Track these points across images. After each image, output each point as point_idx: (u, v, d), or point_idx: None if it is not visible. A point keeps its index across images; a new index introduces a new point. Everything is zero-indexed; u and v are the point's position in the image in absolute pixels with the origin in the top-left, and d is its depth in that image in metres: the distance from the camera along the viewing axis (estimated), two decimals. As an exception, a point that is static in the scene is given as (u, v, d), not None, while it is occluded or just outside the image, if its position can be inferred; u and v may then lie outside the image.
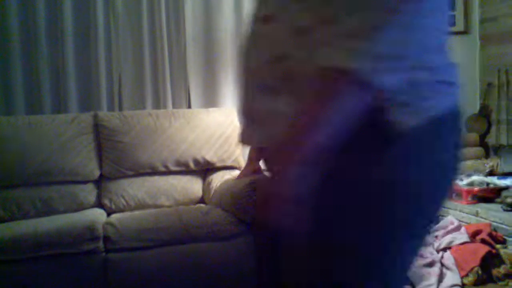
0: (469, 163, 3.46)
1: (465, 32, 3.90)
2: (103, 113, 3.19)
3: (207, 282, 2.53)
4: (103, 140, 3.07)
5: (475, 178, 3.20)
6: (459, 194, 3.17)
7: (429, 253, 2.71)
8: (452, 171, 0.97)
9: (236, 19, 3.55)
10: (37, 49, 3.23)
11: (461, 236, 2.82)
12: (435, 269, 2.62)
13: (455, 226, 2.92)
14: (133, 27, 3.40)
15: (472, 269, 2.62)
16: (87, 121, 3.09)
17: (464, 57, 3.89)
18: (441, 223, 3.00)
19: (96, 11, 3.30)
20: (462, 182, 3.19)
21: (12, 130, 2.93)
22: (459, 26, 3.88)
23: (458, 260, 2.67)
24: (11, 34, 3.19)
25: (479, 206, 3.07)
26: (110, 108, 3.37)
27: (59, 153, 2.93)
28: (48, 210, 2.85)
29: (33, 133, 2.95)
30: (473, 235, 2.82)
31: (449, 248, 2.78)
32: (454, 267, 2.64)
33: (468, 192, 3.12)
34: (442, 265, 2.67)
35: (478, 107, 3.87)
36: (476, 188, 3.14)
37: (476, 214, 3.02)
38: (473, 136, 3.72)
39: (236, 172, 3.04)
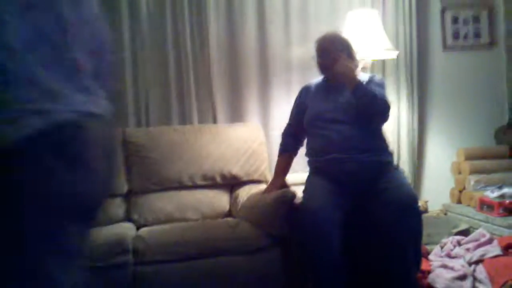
0: (499, 175, 3.40)
1: (491, 44, 3.87)
2: (131, 130, 3.24)
3: (235, 296, 2.52)
4: (131, 155, 3.10)
5: (506, 190, 3.14)
6: (490, 207, 3.12)
7: (461, 266, 2.66)
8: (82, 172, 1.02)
9: (260, 35, 3.59)
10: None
11: (494, 249, 2.76)
12: (468, 283, 2.56)
13: (487, 239, 2.86)
14: (158, 45, 3.46)
15: (505, 282, 2.55)
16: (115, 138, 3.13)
17: (490, 69, 3.87)
18: (473, 236, 2.95)
19: (121, 30, 3.37)
20: (493, 195, 3.14)
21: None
22: (485, 39, 3.86)
23: (491, 273, 2.61)
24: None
25: (511, 218, 3.01)
26: (138, 125, 3.41)
27: (88, 169, 2.97)
28: (78, 224, 2.87)
29: (63, 149, 2.99)
30: (506, 248, 2.76)
31: (482, 261, 2.72)
32: (487, 281, 2.58)
33: (500, 204, 3.07)
34: (475, 278, 2.62)
35: (507, 119, 3.82)
36: (507, 201, 3.08)
37: (509, 226, 2.96)
38: (503, 148, 3.66)
39: (263, 186, 3.04)
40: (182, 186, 3.12)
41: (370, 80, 2.72)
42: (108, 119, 1.19)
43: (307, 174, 2.76)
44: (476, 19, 3.84)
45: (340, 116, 2.62)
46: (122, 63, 3.38)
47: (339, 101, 2.66)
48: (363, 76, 2.74)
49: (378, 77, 2.81)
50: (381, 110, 2.58)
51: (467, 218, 3.28)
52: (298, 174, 3.05)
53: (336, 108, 2.65)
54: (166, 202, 3.07)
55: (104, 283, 2.39)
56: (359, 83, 2.54)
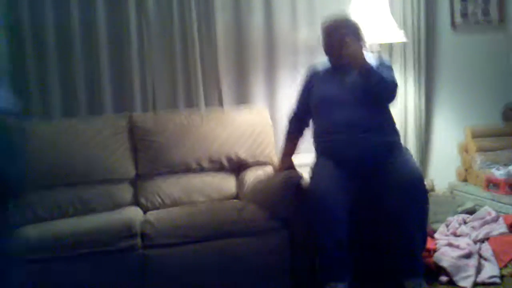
0: (506, 153, 3.39)
1: (500, 21, 3.82)
2: (137, 114, 3.26)
3: (242, 277, 2.55)
4: (138, 140, 3.13)
5: (513, 168, 3.14)
6: (496, 185, 3.12)
7: (466, 244, 2.67)
8: None
9: (266, 18, 3.58)
10: (73, 54, 3.32)
11: (499, 227, 2.77)
12: (473, 261, 2.58)
13: (493, 217, 2.87)
14: (165, 29, 3.46)
15: (511, 260, 2.57)
16: (122, 122, 3.15)
17: (498, 47, 3.82)
18: (478, 214, 2.96)
19: (128, 15, 3.36)
20: (499, 172, 3.13)
21: (49, 132, 3.02)
22: (494, 17, 3.80)
23: (496, 251, 2.63)
24: (47, 40, 3.29)
25: (517, 196, 3.01)
26: (144, 109, 3.43)
27: (96, 154, 3.01)
28: (86, 209, 2.92)
29: (70, 135, 3.03)
30: (512, 226, 2.77)
31: (487, 239, 2.73)
32: (492, 258, 2.60)
33: (506, 182, 3.06)
34: (480, 256, 2.63)
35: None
36: (514, 179, 3.08)
37: (515, 204, 2.96)
38: (511, 126, 3.64)
39: (269, 168, 3.06)
40: (189, 170, 3.14)
41: (377, 62, 2.70)
42: (18, 114, 1.27)
43: (313, 155, 2.77)
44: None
45: (346, 97, 2.62)
46: (129, 48, 3.38)
47: (345, 82, 2.66)
48: (370, 58, 2.72)
49: (385, 58, 2.80)
50: (389, 91, 2.57)
51: (474, 197, 3.28)
52: (304, 156, 3.07)
53: (343, 90, 2.65)
54: (173, 186, 3.10)
55: (113, 267, 2.43)
56: (367, 65, 2.53)
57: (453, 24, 3.79)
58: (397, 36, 3.31)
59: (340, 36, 2.63)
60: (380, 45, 3.58)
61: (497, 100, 3.77)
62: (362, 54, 2.56)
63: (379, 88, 2.53)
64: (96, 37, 3.34)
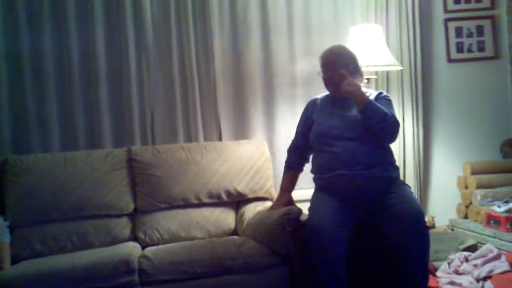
0: (506, 189, 3.38)
1: (495, 57, 3.87)
2: (137, 148, 3.24)
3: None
4: (137, 174, 3.11)
5: (513, 204, 3.12)
6: (497, 222, 3.10)
7: (469, 282, 2.64)
8: None
9: (264, 53, 3.61)
10: (72, 88, 3.34)
11: (502, 265, 2.74)
12: (476, 300, 2.55)
13: (495, 255, 2.84)
14: (164, 64, 3.49)
15: (514, 299, 2.53)
16: (121, 156, 3.14)
17: (495, 81, 3.86)
18: (480, 252, 2.93)
19: (128, 50, 3.40)
20: (500, 209, 3.11)
21: (48, 166, 3.00)
22: (489, 51, 3.86)
23: (500, 290, 2.59)
24: (46, 74, 3.31)
25: (519, 233, 2.98)
26: (143, 143, 3.42)
27: (94, 188, 2.98)
28: (84, 244, 2.89)
29: (69, 169, 3.01)
30: (514, 264, 2.74)
31: (490, 277, 2.70)
32: (495, 297, 2.56)
33: (507, 219, 3.04)
34: (483, 295, 2.60)
35: (513, 133, 3.82)
36: (515, 215, 3.06)
37: (517, 241, 2.94)
38: (510, 162, 3.64)
39: (269, 203, 3.03)
40: (188, 204, 3.12)
41: (378, 98, 2.69)
42: None
43: (312, 190, 2.75)
44: (480, 31, 3.84)
45: (346, 132, 2.59)
46: (128, 82, 3.40)
47: (345, 116, 2.63)
48: (370, 93, 2.71)
49: (384, 93, 2.78)
50: (392, 129, 2.54)
51: (474, 234, 3.26)
52: (304, 191, 3.05)
53: (343, 124, 2.62)
54: (172, 220, 3.07)
55: (111, 304, 2.39)
56: (368, 102, 2.53)
57: (448, 58, 3.83)
58: (394, 66, 3.32)
59: (339, 69, 2.62)
60: (378, 79, 3.61)
61: (495, 136, 3.79)
62: (361, 89, 2.55)
63: (381, 126, 2.51)
64: (95, 71, 3.37)
